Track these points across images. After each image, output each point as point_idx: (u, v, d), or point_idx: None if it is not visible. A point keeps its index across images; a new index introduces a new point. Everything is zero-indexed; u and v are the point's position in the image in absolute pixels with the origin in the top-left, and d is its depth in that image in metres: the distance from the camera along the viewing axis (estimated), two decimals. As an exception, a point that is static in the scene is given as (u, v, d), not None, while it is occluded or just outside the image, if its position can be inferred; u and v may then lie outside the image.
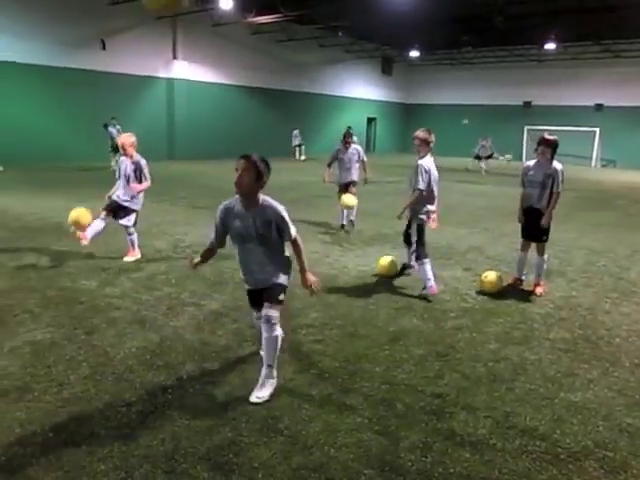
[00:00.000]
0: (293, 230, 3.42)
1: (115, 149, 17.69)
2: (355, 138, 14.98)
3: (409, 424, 3.14)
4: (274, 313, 3.41)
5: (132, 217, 6.59)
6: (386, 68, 34.83)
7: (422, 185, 5.43)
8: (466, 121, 28.55)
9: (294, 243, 3.45)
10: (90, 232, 6.32)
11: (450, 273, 6.48)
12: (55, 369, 3.64)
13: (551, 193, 5.52)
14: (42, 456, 2.72)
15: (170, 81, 22.57)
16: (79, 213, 6.20)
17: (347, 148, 8.98)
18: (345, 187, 8.94)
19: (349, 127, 15.20)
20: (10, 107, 17.89)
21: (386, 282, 5.97)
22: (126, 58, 20.88)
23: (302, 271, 3.49)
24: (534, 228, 5.71)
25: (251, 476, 2.63)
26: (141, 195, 6.62)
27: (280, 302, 3.45)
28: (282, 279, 3.48)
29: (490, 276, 5.73)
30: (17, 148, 17.84)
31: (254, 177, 3.24)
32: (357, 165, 9.00)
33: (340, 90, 31.56)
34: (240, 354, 3.98)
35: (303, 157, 24.81)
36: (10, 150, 17.55)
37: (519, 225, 5.93)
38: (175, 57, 22.62)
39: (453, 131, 33.58)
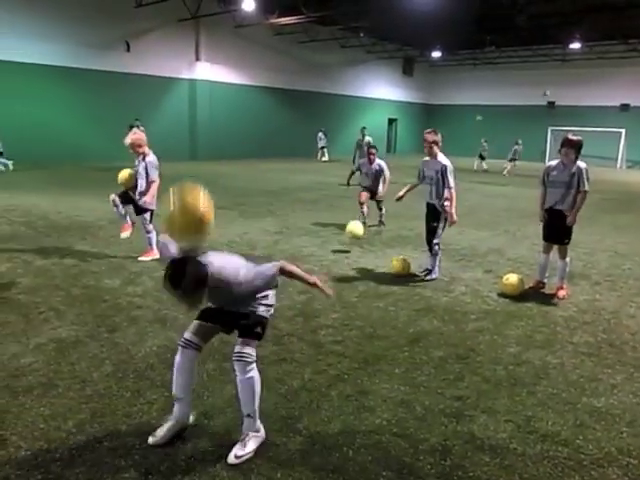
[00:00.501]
0: (271, 270, 2.79)
1: None
2: (370, 138, 14.97)
3: (428, 426, 3.11)
4: (249, 350, 2.83)
5: (146, 216, 6.67)
6: (407, 69, 34.67)
7: (454, 183, 5.88)
8: (480, 117, 28.06)
9: (282, 274, 2.84)
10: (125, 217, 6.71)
11: (471, 275, 6.41)
12: (78, 366, 3.70)
13: (577, 192, 5.42)
14: (65, 451, 2.76)
15: (192, 82, 22.78)
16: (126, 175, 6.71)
17: (371, 162, 8.94)
18: (369, 191, 8.93)
19: (363, 127, 15.16)
20: (37, 108, 18.26)
21: (406, 284, 5.93)
22: (150, 60, 21.14)
23: (305, 281, 2.90)
24: (556, 230, 5.62)
25: (270, 476, 2.64)
26: (155, 195, 6.63)
27: (257, 336, 2.90)
28: (261, 310, 2.92)
29: (511, 278, 5.66)
30: (43, 148, 18.19)
31: (195, 293, 2.63)
32: (380, 180, 9.02)
33: (361, 91, 31.50)
34: (260, 353, 3.98)
35: (325, 158, 24.74)
36: (37, 150, 17.92)
37: (541, 227, 5.84)
38: (198, 58, 22.82)
39: (474, 132, 33.29)
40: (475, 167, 23.22)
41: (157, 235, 6.59)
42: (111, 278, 5.75)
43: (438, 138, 5.86)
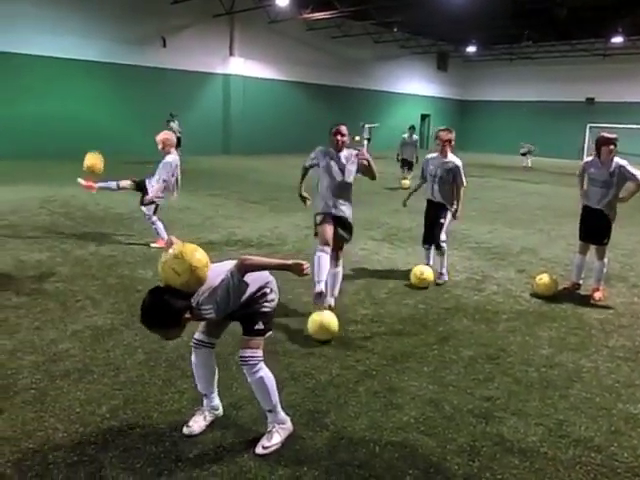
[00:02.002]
0: (234, 276, 2.59)
1: (177, 143, 18.26)
2: (415, 137, 14.71)
3: (457, 426, 3.08)
4: (250, 352, 2.75)
5: (151, 207, 6.89)
6: (441, 64, 34.21)
7: (465, 181, 5.75)
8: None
9: (248, 270, 2.62)
10: (101, 185, 7.01)
11: (503, 274, 6.31)
12: (113, 353, 3.79)
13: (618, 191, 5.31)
14: (99, 435, 2.84)
15: (226, 77, 22.95)
16: (94, 159, 7.00)
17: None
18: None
19: (412, 126, 14.91)
20: (75, 103, 18.64)
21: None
22: (185, 55, 21.38)
23: (282, 267, 2.67)
24: (594, 230, 5.47)
25: (296, 469, 2.65)
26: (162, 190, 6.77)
27: (258, 332, 2.78)
28: (260, 306, 2.80)
29: (545, 278, 5.55)
30: (82, 142, 18.56)
31: (173, 328, 2.56)
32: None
33: (394, 86, 31.24)
34: (288, 348, 4.02)
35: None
36: (75, 144, 18.31)
37: (577, 227, 5.70)
38: (232, 54, 22.97)
39: (510, 128, 32.68)
40: (524, 164, 23.12)
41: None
42: (144, 269, 5.87)
43: (453, 136, 5.73)
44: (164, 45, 20.77)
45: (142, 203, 6.90)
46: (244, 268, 2.58)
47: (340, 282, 4.86)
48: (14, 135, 16.91)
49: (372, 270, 6.27)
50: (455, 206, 5.75)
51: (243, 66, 23.25)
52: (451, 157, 5.72)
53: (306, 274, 2.65)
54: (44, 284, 5.21)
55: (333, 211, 4.74)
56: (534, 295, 5.52)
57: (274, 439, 2.80)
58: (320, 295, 4.31)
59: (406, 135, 14.71)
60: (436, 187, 5.73)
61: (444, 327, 4.58)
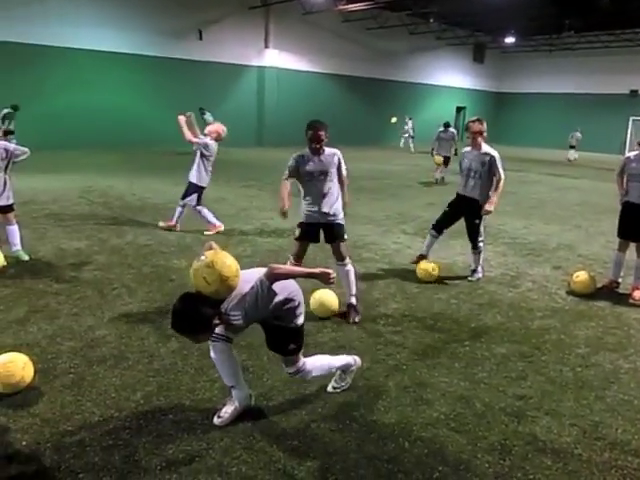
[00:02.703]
0: (262, 284, 2.68)
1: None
2: (453, 130, 14.29)
3: (488, 424, 3.03)
4: (293, 369, 3.03)
5: (194, 196, 7.16)
6: (478, 55, 33.52)
7: (503, 174, 5.47)
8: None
9: (277, 279, 2.71)
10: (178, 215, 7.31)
11: (539, 271, 6.17)
12: (147, 341, 3.87)
13: None
14: (133, 420, 2.90)
15: (261, 69, 23.03)
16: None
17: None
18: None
19: (447, 123, 14.54)
20: (113, 95, 19.01)
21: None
22: (221, 47, 21.54)
23: (310, 276, 2.79)
24: (634, 227, 5.29)
25: (324, 461, 2.66)
26: (203, 174, 7.10)
27: (293, 352, 2.96)
28: (290, 320, 2.90)
29: (582, 276, 5.40)
30: (122, 133, 19.01)
31: (202, 334, 2.71)
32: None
33: (429, 78, 30.80)
34: (319, 340, 4.02)
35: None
36: (112, 135, 18.74)
37: (617, 224, 5.52)
38: (267, 46, 23.02)
39: (547, 121, 31.88)
40: (569, 157, 22.71)
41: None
42: (178, 259, 5.95)
43: (484, 127, 5.43)
44: (200, 38, 20.96)
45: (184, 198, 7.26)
46: (273, 277, 2.67)
47: (355, 280, 4.61)
48: (57, 126, 17.37)
49: (404, 264, 6.21)
50: (491, 197, 5.42)
51: (277, 58, 23.28)
52: (486, 148, 5.45)
53: (332, 282, 2.77)
54: (82, 272, 5.35)
55: (319, 219, 4.52)
56: (570, 293, 5.38)
57: (341, 382, 3.29)
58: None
59: (441, 129, 14.22)
60: (472, 182, 5.48)
61: (476, 323, 4.51)
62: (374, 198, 10.71)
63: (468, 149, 5.62)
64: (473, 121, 5.52)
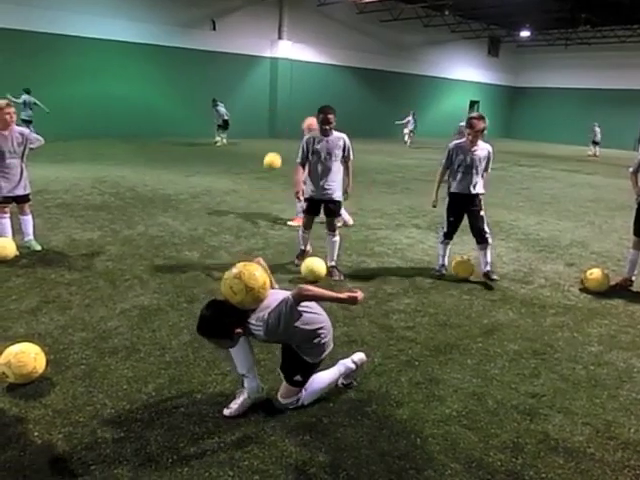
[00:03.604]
0: (287, 304, 2.76)
1: (223, 126, 18.48)
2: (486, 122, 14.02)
3: (500, 421, 3.01)
4: (285, 402, 2.97)
5: None
6: (493, 49, 33.20)
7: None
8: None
9: (304, 299, 2.80)
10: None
11: (551, 267, 6.11)
12: (159, 333, 3.87)
13: None
14: (145, 413, 2.90)
15: (274, 60, 22.97)
16: (273, 157, 7.63)
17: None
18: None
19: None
20: (126, 85, 19.10)
21: (481, 270, 5.72)
22: (234, 38, 21.50)
23: (337, 300, 2.88)
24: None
25: (336, 456, 2.65)
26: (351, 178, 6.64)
27: (297, 384, 2.97)
28: (306, 353, 2.95)
29: (595, 273, 5.33)
30: (134, 123, 19.09)
31: (224, 339, 2.82)
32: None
33: (443, 72, 30.56)
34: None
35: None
36: (125, 125, 18.82)
37: (632, 221, 5.44)
38: (280, 37, 22.94)
39: (562, 117, 31.51)
40: (591, 153, 22.54)
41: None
42: (190, 251, 5.96)
43: (486, 125, 5.16)
44: (214, 28, 20.93)
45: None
46: (300, 297, 2.75)
47: (338, 248, 5.46)
48: (69, 116, 17.49)
49: (416, 259, 6.18)
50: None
51: (291, 49, 23.19)
52: (483, 143, 5.26)
53: (360, 302, 2.84)
54: (94, 262, 5.37)
55: (320, 195, 5.28)
56: (584, 290, 5.32)
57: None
58: (301, 253, 5.58)
59: (463, 123, 13.92)
60: (474, 178, 5.23)
61: (489, 319, 4.48)
62: (386, 192, 10.65)
63: (460, 142, 5.28)
64: (478, 118, 5.15)
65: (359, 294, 2.81)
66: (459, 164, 5.26)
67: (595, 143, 22.99)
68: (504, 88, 34.88)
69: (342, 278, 5.25)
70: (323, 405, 3.07)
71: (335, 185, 5.28)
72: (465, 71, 32.00)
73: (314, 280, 5.03)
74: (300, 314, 2.79)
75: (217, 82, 20.80)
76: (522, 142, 26.61)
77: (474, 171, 5.24)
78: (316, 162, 5.23)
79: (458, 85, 31.67)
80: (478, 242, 5.45)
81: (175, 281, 4.96)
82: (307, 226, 5.54)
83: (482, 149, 5.26)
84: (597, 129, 23.06)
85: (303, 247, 5.68)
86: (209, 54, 20.87)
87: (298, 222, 7.11)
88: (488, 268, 5.43)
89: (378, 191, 10.57)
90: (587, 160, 21.61)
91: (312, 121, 6.93)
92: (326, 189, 5.24)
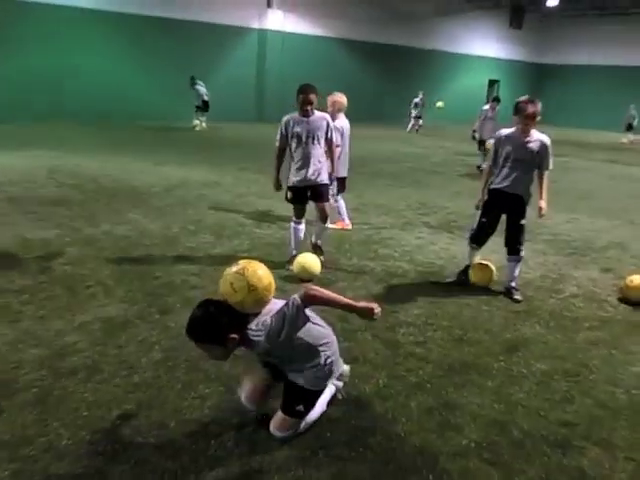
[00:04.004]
0: (292, 305, 2.75)
1: (203, 108, 18.44)
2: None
3: (527, 455, 2.98)
4: (281, 434, 2.94)
5: (334, 184, 6.94)
6: (515, 21, 33.15)
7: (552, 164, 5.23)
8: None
9: (312, 303, 2.79)
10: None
11: (584, 273, 6.10)
12: (126, 350, 3.83)
13: None
14: (109, 444, 2.86)
15: (263, 32, 22.96)
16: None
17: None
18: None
19: (496, 97, 14.05)
20: (86, 59, 18.82)
21: (504, 280, 5.70)
22: (216, 7, 21.44)
23: (350, 308, 2.83)
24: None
25: (334, 496, 2.61)
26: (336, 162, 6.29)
27: (298, 415, 2.96)
28: (304, 379, 2.96)
29: (637, 280, 5.33)
30: (97, 103, 18.98)
31: (215, 345, 2.79)
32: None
33: (456, 46, 30.64)
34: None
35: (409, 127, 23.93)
36: (90, 105, 18.71)
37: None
38: (269, 5, 22.91)
39: (596, 98, 31.59)
40: (625, 140, 22.66)
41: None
42: (164, 253, 5.92)
43: (539, 110, 4.95)
44: (192, -6, 20.88)
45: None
46: (308, 298, 2.72)
47: (326, 233, 6.10)
48: (17, 93, 17.18)
49: (427, 263, 6.16)
50: (540, 199, 5.18)
51: (282, 20, 23.19)
52: (537, 134, 5.12)
53: (376, 318, 2.82)
54: (50, 266, 5.32)
55: (305, 182, 5.56)
56: (623, 300, 5.32)
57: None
58: (293, 258, 5.57)
59: (487, 107, 13.67)
60: (517, 174, 5.11)
61: (512, 334, 4.46)
62: (392, 185, 10.65)
63: (510, 132, 5.19)
64: (527, 102, 4.95)
65: (376, 307, 2.78)
66: (506, 156, 5.12)
67: (630, 127, 23.15)
68: (528, 65, 35.01)
69: (322, 259, 5.64)
70: (318, 434, 3.03)
71: (320, 167, 5.57)
72: (483, 46, 32.10)
73: (308, 279, 5.20)
74: (307, 318, 2.78)
75: (196, 57, 20.75)
76: (549, 128, 26.55)
77: (523, 167, 5.09)
78: (297, 146, 5.48)
79: (475, 62, 31.77)
80: (508, 252, 5.36)
81: (146, 288, 4.91)
82: (299, 215, 5.73)
83: (535, 140, 5.06)
84: (634, 112, 23.22)
85: (295, 251, 5.73)
86: (187, 25, 20.79)
87: (341, 225, 7.36)
88: (513, 284, 5.34)
89: (383, 184, 10.55)
90: (627, 148, 21.68)
91: (338, 98, 6.90)
92: (310, 175, 5.52)
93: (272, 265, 5.61)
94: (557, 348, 4.27)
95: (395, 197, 9.60)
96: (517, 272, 5.36)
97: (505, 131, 5.26)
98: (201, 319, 2.74)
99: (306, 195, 5.65)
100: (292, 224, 5.81)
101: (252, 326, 2.78)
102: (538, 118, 5.00)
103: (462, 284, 5.50)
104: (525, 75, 34.79)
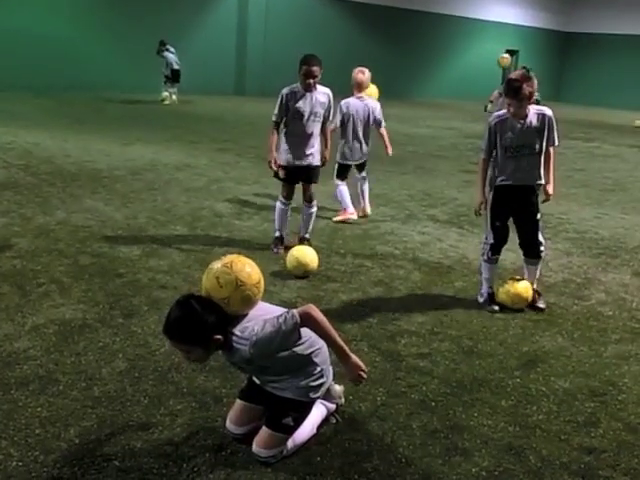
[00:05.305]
0: (291, 318, 2.81)
1: (172, 79, 18.34)
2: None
3: (545, 485, 3.03)
4: (266, 453, 2.96)
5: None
6: (538, -19, 33.42)
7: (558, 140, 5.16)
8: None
9: (307, 319, 2.84)
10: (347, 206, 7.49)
11: (614, 277, 6.17)
12: (85, 358, 3.84)
13: None
14: (65, 467, 2.87)
15: (244, -8, 22.91)
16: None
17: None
18: None
19: (524, 68, 14.11)
20: (37, 20, 18.68)
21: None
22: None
23: (340, 353, 2.97)
24: None
25: (325, 529, 2.65)
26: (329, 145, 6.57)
27: (285, 430, 2.99)
28: (290, 391, 3.03)
29: (674, 287, 5.40)
30: (53, 72, 18.87)
31: (197, 346, 2.82)
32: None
33: (467, 10, 30.71)
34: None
35: None
36: (44, 74, 18.58)
37: None
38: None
39: (632, 74, 31.74)
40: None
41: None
42: (129, 246, 5.93)
43: (534, 87, 4.77)
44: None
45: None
46: (306, 315, 2.81)
47: (313, 221, 6.29)
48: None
49: (433, 262, 6.20)
50: (547, 182, 5.12)
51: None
52: (532, 108, 4.93)
53: (358, 384, 3.10)
54: (-3, 260, 5.32)
55: (298, 162, 5.91)
56: (658, 309, 5.39)
57: None
58: (278, 240, 6.07)
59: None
60: (524, 163, 4.97)
61: (530, 347, 4.51)
62: (393, 171, 10.67)
63: (503, 116, 4.95)
64: (520, 79, 4.71)
65: (366, 372, 3.03)
66: (507, 145, 4.93)
67: None
68: (552, 33, 35.14)
69: None
70: (307, 459, 3.06)
71: (316, 148, 6.00)
72: (500, 10, 32.16)
73: (303, 275, 5.43)
74: (299, 338, 2.85)
75: (168, 22, 20.64)
76: (575, 107, 26.84)
77: (528, 152, 4.95)
78: (296, 123, 5.77)
79: (491, 28, 31.84)
80: (527, 255, 5.27)
81: (108, 287, 4.92)
82: (288, 196, 6.08)
83: (534, 115, 4.91)
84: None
85: (279, 233, 6.14)
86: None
87: (344, 215, 7.45)
88: (535, 288, 5.32)
89: (382, 170, 10.54)
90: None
91: (363, 78, 7.21)
92: (307, 154, 5.92)
93: (253, 260, 5.68)
94: (581, 363, 4.31)
95: (395, 186, 9.63)
96: (538, 274, 5.39)
97: (498, 115, 5.03)
98: (184, 317, 2.76)
99: (300, 175, 6.01)
100: (278, 204, 6.10)
101: (237, 332, 2.80)
102: (534, 96, 4.86)
103: (494, 312, 5.14)
104: (548, 45, 34.94)
